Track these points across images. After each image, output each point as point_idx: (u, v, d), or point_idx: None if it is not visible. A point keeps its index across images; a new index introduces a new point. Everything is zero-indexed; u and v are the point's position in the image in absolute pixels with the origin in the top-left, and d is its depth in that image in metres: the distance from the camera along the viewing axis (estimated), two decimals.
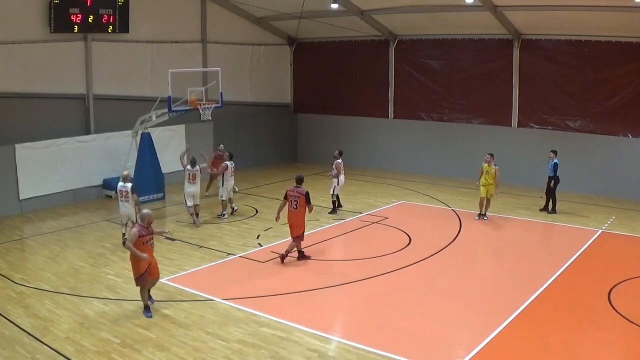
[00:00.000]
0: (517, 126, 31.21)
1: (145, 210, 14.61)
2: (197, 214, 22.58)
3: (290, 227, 18.44)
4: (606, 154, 28.74)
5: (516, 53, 30.72)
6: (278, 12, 31.33)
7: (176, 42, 30.62)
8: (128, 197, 19.12)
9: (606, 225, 23.14)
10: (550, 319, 14.22)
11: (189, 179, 22.28)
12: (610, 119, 28.71)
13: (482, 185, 23.55)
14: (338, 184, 24.53)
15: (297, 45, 37.50)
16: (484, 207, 23.88)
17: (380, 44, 34.56)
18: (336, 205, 24.71)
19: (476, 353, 12.35)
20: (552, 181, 25.13)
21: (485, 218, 23.73)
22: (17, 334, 13.07)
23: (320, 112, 36.91)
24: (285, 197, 18.54)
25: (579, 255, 19.24)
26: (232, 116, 32.42)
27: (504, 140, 31.10)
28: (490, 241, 21.20)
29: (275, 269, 17.55)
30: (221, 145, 26.69)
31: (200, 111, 25.14)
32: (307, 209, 18.24)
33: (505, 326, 13.72)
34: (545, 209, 25.41)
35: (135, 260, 13.88)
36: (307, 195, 18.20)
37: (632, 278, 17.09)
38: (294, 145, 37.88)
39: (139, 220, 14.50)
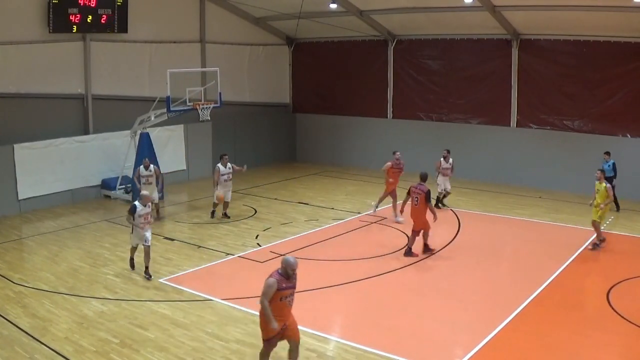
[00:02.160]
0: (516, 126, 31.22)
1: (289, 258, 11.13)
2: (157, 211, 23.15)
3: (413, 221, 19.31)
4: (600, 153, 28.79)
5: (515, 53, 30.73)
6: (277, 12, 31.31)
7: (175, 42, 30.59)
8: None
9: (605, 225, 23.14)
10: (549, 319, 14.24)
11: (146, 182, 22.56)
12: (609, 119, 28.74)
13: (594, 206, 20.87)
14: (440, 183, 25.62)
15: (295, 46, 37.48)
16: (597, 232, 20.65)
17: (378, 44, 34.56)
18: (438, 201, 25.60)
19: (475, 353, 12.38)
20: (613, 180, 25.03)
21: (598, 247, 20.32)
22: (16, 334, 13.07)
23: (319, 112, 36.90)
24: (408, 193, 19.62)
25: (577, 255, 19.26)
26: (231, 116, 32.41)
27: (503, 141, 31.18)
28: (489, 241, 21.14)
29: (274, 269, 17.44)
30: (398, 153, 26.05)
31: (199, 111, 25.16)
32: (426, 207, 18.92)
33: (504, 326, 13.75)
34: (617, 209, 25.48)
35: (265, 321, 10.89)
36: (427, 193, 18.96)
37: (631, 278, 17.12)
38: (292, 145, 37.85)
39: None
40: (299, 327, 12.62)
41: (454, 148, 31.89)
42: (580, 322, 14.26)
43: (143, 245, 16.68)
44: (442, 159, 25.91)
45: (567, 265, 18.27)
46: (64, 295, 15.40)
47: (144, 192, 18.19)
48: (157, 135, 27.77)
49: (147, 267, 16.74)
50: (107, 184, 26.82)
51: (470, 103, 32.24)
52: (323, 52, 36.57)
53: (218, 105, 25.92)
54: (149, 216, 16.94)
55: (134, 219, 16.45)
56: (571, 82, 29.51)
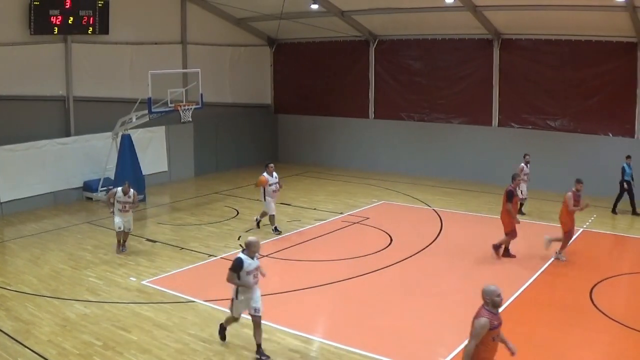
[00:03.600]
0: (498, 125, 31.41)
1: (490, 286, 10.20)
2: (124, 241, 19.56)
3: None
4: (586, 152, 28.94)
5: (496, 53, 30.91)
6: (258, 13, 31.33)
7: (156, 43, 30.53)
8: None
9: (587, 223, 23.32)
10: (533, 318, 14.40)
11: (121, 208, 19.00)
12: (590, 118, 28.96)
13: None
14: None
15: (277, 46, 37.50)
16: None
17: (360, 44, 34.66)
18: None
19: (458, 352, 12.27)
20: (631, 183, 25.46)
21: None
22: None
23: (301, 112, 36.92)
24: None
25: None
26: (213, 117, 32.37)
27: (484, 140, 31.36)
28: (471, 241, 21.17)
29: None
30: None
31: (181, 112, 25.18)
32: (509, 207, 18.86)
33: None
34: (634, 212, 25.48)
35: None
36: (506, 193, 19.02)
37: (613, 276, 17.33)
38: (274, 146, 37.82)
39: None
40: (282, 328, 12.73)
41: (435, 148, 32.17)
42: (564, 320, 14.38)
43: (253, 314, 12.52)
44: (524, 164, 25.19)
45: (549, 264, 18.45)
46: (47, 298, 15.35)
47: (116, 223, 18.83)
48: (139, 137, 27.70)
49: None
50: (89, 186, 26.74)
51: (451, 103, 32.38)
52: (304, 53, 36.62)
53: (199, 106, 25.92)
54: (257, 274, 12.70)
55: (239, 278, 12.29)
56: (552, 81, 29.71)
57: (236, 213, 24.47)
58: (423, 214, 24.84)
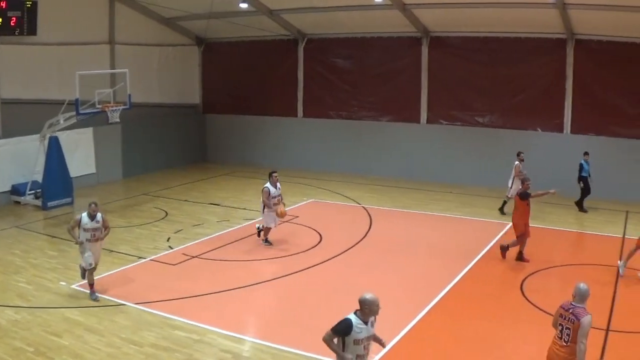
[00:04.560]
0: (426, 123, 31.90)
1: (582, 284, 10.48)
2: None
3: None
4: (516, 148, 29.49)
5: (425, 51, 31.42)
6: (186, 12, 31.25)
7: (84, 44, 30.20)
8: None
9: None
10: (465, 311, 14.79)
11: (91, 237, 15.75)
12: (519, 113, 29.69)
13: None
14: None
15: (205, 46, 37.45)
16: None
17: (289, 43, 34.87)
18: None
19: (392, 347, 12.66)
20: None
21: None
22: None
23: (230, 112, 36.92)
24: None
25: (490, 248, 20.00)
26: (141, 118, 32.18)
27: (413, 137, 31.91)
28: (402, 237, 21.55)
29: (187, 271, 17.61)
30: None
31: (108, 113, 25.06)
32: (520, 209, 18.94)
33: (421, 320, 14.18)
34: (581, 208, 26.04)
35: None
36: (519, 195, 19.14)
37: (543, 269, 17.94)
38: (203, 146, 37.83)
39: None
40: (214, 329, 12.89)
41: (364, 146, 32.49)
42: (496, 313, 14.83)
43: None
44: (519, 162, 25.18)
45: (479, 258, 18.97)
46: None
47: (86, 259, 15.53)
48: (67, 139, 27.34)
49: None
50: (16, 190, 26.37)
51: (380, 101, 32.83)
52: (233, 52, 36.61)
53: (127, 107, 25.83)
54: None
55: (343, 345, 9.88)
56: (481, 78, 30.33)
57: (165, 214, 24.41)
58: (352, 211, 25.10)
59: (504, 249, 18.92)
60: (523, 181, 20.10)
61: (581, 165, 25.84)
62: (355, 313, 9.58)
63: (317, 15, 31.25)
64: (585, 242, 22.44)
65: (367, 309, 9.44)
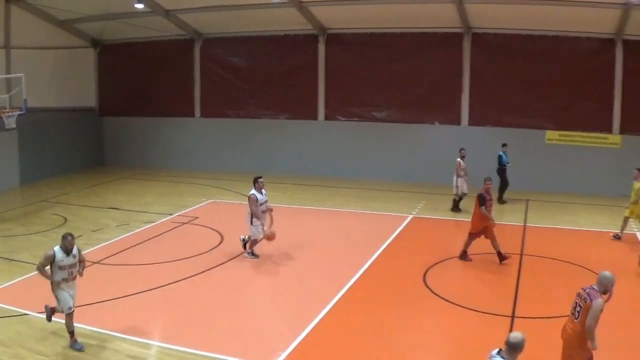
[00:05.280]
0: (324, 119, 32.41)
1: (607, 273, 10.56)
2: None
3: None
4: (413, 141, 30.51)
5: (321, 48, 31.99)
6: (82, 14, 30.95)
7: None
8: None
9: (416, 210, 24.63)
10: (370, 304, 15.18)
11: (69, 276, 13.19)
12: (417, 108, 30.64)
13: (631, 203, 21.56)
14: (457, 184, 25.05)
15: (102, 48, 37.11)
16: (622, 226, 21.73)
17: (185, 43, 35.00)
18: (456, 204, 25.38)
19: (298, 344, 12.87)
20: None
21: (619, 237, 21.58)
22: None
23: (128, 114, 36.76)
24: None
25: (392, 241, 20.54)
26: (37, 123, 31.65)
27: (311, 134, 32.51)
28: (303, 233, 21.90)
29: (90, 278, 16.78)
30: None
31: (4, 119, 24.73)
32: (482, 210, 18.48)
33: (326, 314, 14.46)
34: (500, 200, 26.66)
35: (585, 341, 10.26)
36: (477, 197, 18.66)
37: (444, 260, 18.61)
38: (100, 150, 37.49)
39: None
40: (119, 335, 12.90)
41: (263, 144, 32.77)
42: (400, 305, 15.26)
43: None
44: (460, 159, 25.42)
45: (382, 252, 19.47)
46: None
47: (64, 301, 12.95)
48: None
49: None
50: None
51: (278, 99, 33.36)
52: (130, 54, 36.44)
53: (23, 112, 25.53)
54: None
55: None
56: (378, 74, 31.13)
57: (64, 220, 24.11)
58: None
59: (463, 256, 18.89)
60: (485, 180, 19.39)
61: (500, 157, 26.78)
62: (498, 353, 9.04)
63: (214, 15, 31.39)
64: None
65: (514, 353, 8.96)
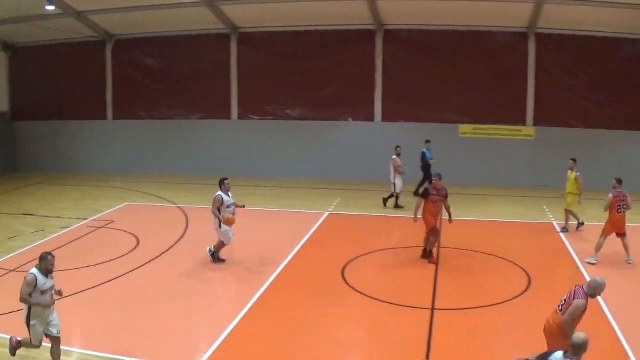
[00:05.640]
0: (238, 119, 32.65)
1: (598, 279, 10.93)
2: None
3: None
4: (328, 139, 30.91)
5: (234, 47, 32.21)
6: None
7: None
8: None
9: (332, 207, 24.99)
10: (290, 302, 15.40)
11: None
12: (330, 105, 31.14)
13: (568, 193, 22.20)
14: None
15: (13, 51, 36.59)
16: (566, 218, 22.60)
17: (97, 45, 34.84)
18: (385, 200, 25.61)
19: (220, 344, 12.90)
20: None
21: (566, 231, 22.42)
22: None
23: (41, 118, 36.32)
24: None
25: (309, 238, 20.87)
26: None
27: (225, 134, 32.72)
28: None
29: (7, 286, 16.31)
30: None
31: None
32: (428, 205, 18.52)
33: (246, 313, 14.54)
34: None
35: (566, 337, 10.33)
36: (421, 194, 18.98)
37: (362, 255, 18.97)
38: (12, 155, 36.81)
39: None
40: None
41: (178, 145, 32.80)
42: (320, 301, 15.51)
43: None
44: (396, 156, 25.56)
45: (299, 249, 19.78)
46: None
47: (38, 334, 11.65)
48: None
49: None
50: None
51: (191, 99, 33.51)
52: (42, 57, 36.00)
53: None
54: None
55: None
56: (291, 72, 31.50)
57: None
58: (169, 212, 25.37)
59: (428, 255, 18.80)
60: (434, 176, 19.39)
61: (423, 154, 27.27)
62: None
63: (125, 16, 31.31)
64: (402, 226, 23.63)
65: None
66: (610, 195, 18.56)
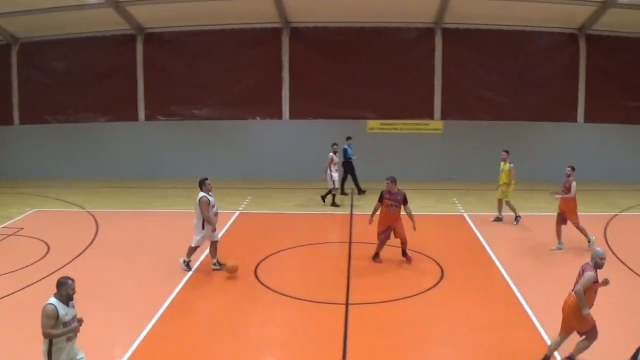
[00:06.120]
0: (145, 120, 32.46)
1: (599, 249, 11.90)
2: None
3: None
4: (236, 137, 30.93)
5: (140, 47, 31.93)
6: None
7: None
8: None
9: (243, 206, 24.94)
10: (203, 302, 15.39)
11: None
12: (237, 104, 31.29)
13: (500, 184, 22.88)
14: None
15: None
16: (499, 208, 23.42)
17: (1, 48, 34.09)
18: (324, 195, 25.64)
19: (135, 349, 12.72)
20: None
21: (500, 220, 23.35)
22: None
23: None
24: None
25: (220, 237, 20.32)
26: None
27: (133, 136, 32.57)
28: (131, 237, 21.65)
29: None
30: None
31: None
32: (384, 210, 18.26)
33: (160, 316, 14.38)
34: (360, 191, 27.34)
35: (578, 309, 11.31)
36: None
37: (274, 253, 19.03)
38: None
39: None
40: None
41: (85, 148, 32.36)
42: (235, 300, 15.56)
43: None
44: (334, 153, 25.64)
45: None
46: None
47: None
48: None
49: None
50: None
51: (98, 101, 33.06)
52: None
53: None
54: None
55: None
56: (198, 71, 31.47)
57: None
58: (78, 217, 24.92)
59: (375, 257, 18.61)
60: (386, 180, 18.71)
61: (345, 150, 27.45)
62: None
63: (31, 18, 30.76)
64: (319, 222, 23.89)
65: None
66: (574, 184, 19.37)
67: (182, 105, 32.64)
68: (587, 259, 11.70)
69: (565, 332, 11.68)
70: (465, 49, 31.50)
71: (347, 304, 15.13)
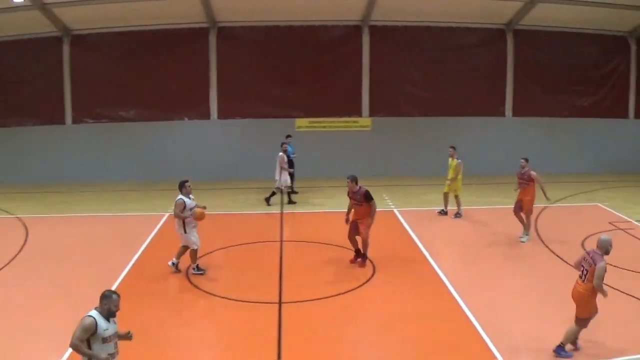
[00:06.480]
0: (72, 123, 31.99)
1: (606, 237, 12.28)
2: None
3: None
4: (164, 139, 30.92)
5: (66, 49, 31.41)
6: None
7: None
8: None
9: (172, 208, 24.58)
10: (136, 307, 14.63)
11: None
12: (165, 105, 31.15)
13: (449, 179, 23.34)
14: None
15: None
16: (445, 202, 23.90)
17: None
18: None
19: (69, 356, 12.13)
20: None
21: (445, 214, 23.87)
22: None
23: None
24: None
25: (150, 241, 20.66)
26: None
27: (60, 140, 32.00)
28: (61, 242, 21.08)
29: None
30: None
31: None
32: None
33: None
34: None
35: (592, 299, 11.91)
36: (364, 194, 18.00)
37: (205, 254, 18.67)
38: None
39: None
40: None
41: (10, 152, 31.63)
42: (166, 306, 15.23)
43: None
44: (283, 153, 25.48)
45: (143, 251, 19.46)
46: None
47: None
48: None
49: None
50: None
51: (24, 104, 32.17)
52: None
53: None
54: None
55: None
56: (124, 73, 31.19)
57: None
58: (6, 223, 24.28)
59: (354, 259, 18.29)
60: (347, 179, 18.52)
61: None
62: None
63: None
64: (251, 222, 23.86)
65: None
66: (534, 174, 20.17)
67: (109, 108, 32.19)
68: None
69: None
70: (393, 46, 31.85)
71: (280, 302, 15.16)
